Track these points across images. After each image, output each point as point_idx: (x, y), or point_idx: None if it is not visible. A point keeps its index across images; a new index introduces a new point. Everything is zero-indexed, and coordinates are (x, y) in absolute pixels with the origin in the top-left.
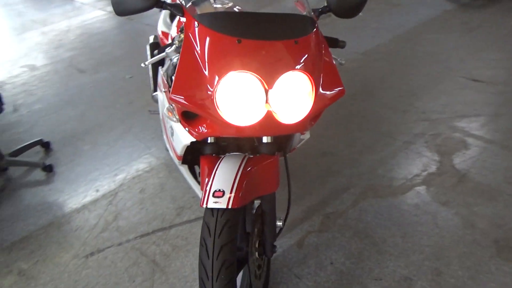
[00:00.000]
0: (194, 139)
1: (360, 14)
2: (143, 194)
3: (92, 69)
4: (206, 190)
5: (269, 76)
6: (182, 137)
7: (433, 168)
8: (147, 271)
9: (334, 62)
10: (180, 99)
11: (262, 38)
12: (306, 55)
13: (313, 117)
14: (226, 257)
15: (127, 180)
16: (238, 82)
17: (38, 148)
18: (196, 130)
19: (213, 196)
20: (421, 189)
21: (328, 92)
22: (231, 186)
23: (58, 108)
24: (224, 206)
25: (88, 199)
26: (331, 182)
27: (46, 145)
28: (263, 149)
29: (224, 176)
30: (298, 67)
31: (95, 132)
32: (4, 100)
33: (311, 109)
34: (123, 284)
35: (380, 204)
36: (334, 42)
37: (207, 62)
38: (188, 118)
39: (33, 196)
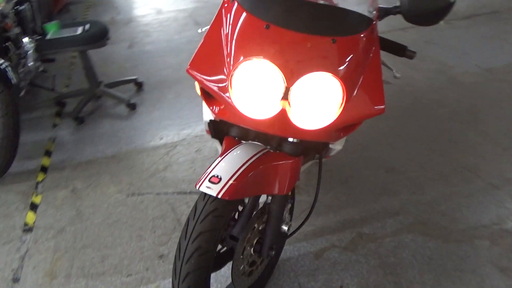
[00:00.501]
0: (213, 117)
1: (441, 23)
2: (197, 154)
3: (207, 23)
4: (206, 172)
5: (291, 72)
6: (204, 113)
7: (509, 225)
8: (169, 227)
9: (381, 73)
10: (196, 74)
11: (294, 28)
12: (344, 58)
13: (342, 128)
14: (202, 244)
15: (190, 136)
16: (256, 71)
17: (131, 86)
18: (211, 108)
19: (209, 180)
20: (483, 244)
21: (362, 106)
22: (230, 175)
23: (163, 53)
24: (214, 194)
25: (151, 144)
26: (382, 201)
27: (139, 85)
28: (285, 148)
29: (228, 163)
30: (328, 69)
31: (183, 84)
32: (124, 36)
33: (336, 119)
34: (145, 231)
35: (425, 243)
36: (400, 50)
37: (229, 43)
38: (208, 94)
39: (110, 127)
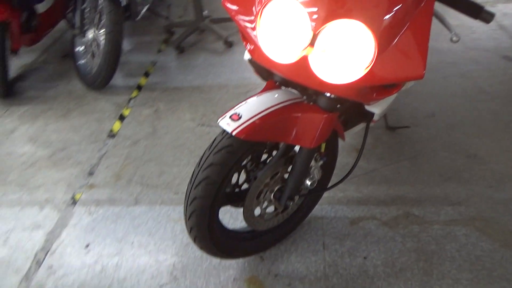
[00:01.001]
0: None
1: None
2: None
3: None
4: (231, 108)
5: (319, 17)
6: (245, 52)
7: None
8: None
9: (429, 32)
10: (230, 8)
11: None
12: (381, 7)
13: (376, 89)
14: (210, 174)
15: None
16: (284, 11)
17: (234, 24)
18: (246, 45)
19: (230, 117)
20: None
21: (397, 66)
22: (251, 116)
23: None
24: (229, 131)
25: (234, 82)
26: (448, 187)
27: None
28: (319, 101)
29: (254, 104)
30: (359, 18)
31: None
32: None
33: (364, 76)
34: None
35: (478, 242)
36: (474, 10)
37: None
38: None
39: (204, 60)
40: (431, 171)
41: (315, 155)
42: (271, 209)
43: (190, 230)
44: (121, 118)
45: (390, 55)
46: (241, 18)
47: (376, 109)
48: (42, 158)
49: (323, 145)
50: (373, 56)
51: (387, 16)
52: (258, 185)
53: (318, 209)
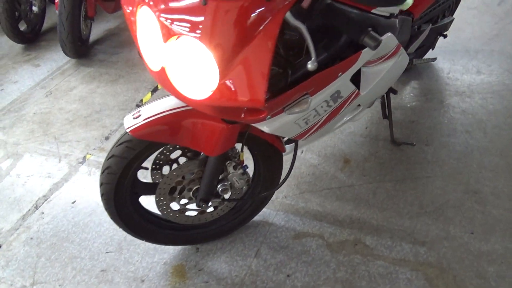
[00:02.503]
0: None
1: None
2: None
3: None
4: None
5: (169, 29)
6: None
7: None
8: None
9: (269, 58)
10: (125, 8)
11: None
12: (218, 26)
13: (242, 109)
14: (111, 164)
15: None
16: (147, 19)
17: None
18: None
19: (132, 114)
20: None
21: (241, 90)
22: (148, 116)
23: None
24: (125, 127)
25: None
26: (421, 222)
27: None
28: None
29: (157, 105)
30: (203, 37)
31: None
32: None
33: (212, 96)
34: None
35: None
36: (356, 31)
37: None
38: None
39: None
40: (413, 200)
41: (230, 163)
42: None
43: (106, 211)
44: (154, 90)
45: (233, 78)
46: (128, 16)
47: (263, 127)
48: (80, 117)
49: (242, 154)
50: (215, 77)
51: (224, 36)
52: (167, 182)
53: (272, 214)
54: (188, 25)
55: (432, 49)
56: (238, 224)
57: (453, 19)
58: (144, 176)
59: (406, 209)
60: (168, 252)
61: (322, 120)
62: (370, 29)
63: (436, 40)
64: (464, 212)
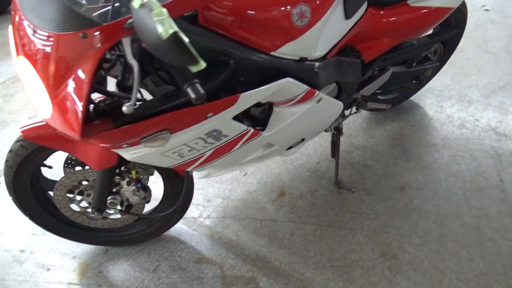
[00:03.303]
0: None
1: None
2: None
3: None
4: None
5: (17, 45)
6: None
7: None
8: None
9: (84, 94)
10: None
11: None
12: (44, 52)
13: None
14: (8, 158)
15: None
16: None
17: None
18: None
19: (31, 115)
20: None
21: (63, 121)
22: (41, 120)
23: None
24: (19, 126)
25: None
26: (326, 274)
27: None
28: None
29: None
30: (29, 55)
31: None
32: None
33: (49, 119)
34: None
35: None
36: (183, 79)
37: None
38: None
39: None
40: (326, 250)
41: (123, 178)
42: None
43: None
44: None
45: (59, 106)
46: None
47: (124, 154)
48: None
49: (134, 172)
50: (48, 102)
51: (56, 67)
52: (63, 184)
53: (188, 232)
54: (28, 47)
55: (411, 94)
56: (147, 236)
57: (436, 65)
58: None
59: (315, 258)
60: (82, 247)
61: (208, 155)
62: (197, 80)
63: (416, 84)
64: (371, 276)
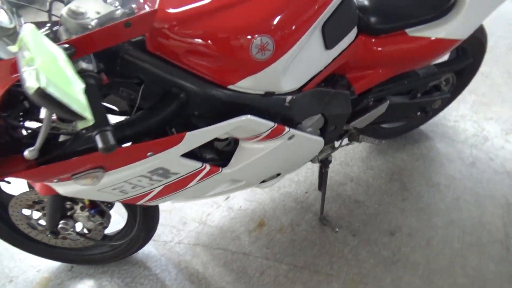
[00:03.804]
0: None
1: None
2: None
3: None
4: None
5: None
6: None
7: None
8: None
9: None
10: None
11: None
12: None
13: None
14: None
15: None
16: None
17: None
18: None
19: None
20: None
21: None
22: None
23: None
24: None
25: None
26: None
27: None
28: None
29: None
30: None
31: None
32: None
33: None
34: None
35: None
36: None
37: None
38: None
39: None
40: None
41: (76, 203)
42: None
43: None
44: None
45: None
46: None
47: (57, 189)
48: None
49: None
50: None
51: None
52: (18, 203)
53: (155, 257)
54: None
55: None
56: (111, 258)
57: (447, 96)
58: None
59: None
60: (48, 261)
61: (158, 192)
62: (109, 127)
63: (421, 116)
64: None
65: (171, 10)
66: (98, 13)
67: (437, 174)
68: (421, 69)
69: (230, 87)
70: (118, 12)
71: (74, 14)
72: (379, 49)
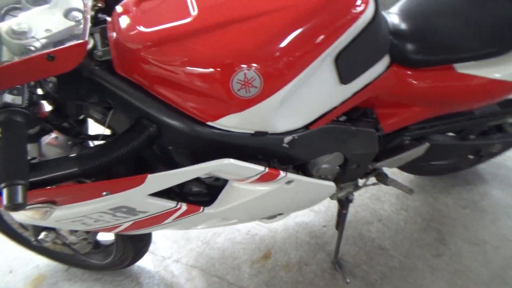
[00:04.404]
0: None
1: None
2: None
3: None
4: None
5: None
6: None
7: None
8: None
9: None
10: None
11: None
12: None
13: None
14: None
15: None
16: None
17: None
18: None
19: None
20: None
21: None
22: None
23: None
24: None
25: None
26: None
27: None
28: None
29: None
30: None
31: None
32: None
33: None
34: None
35: None
36: None
37: None
38: None
39: None
40: None
41: None
42: None
43: None
44: None
45: None
46: None
47: (12, 215)
48: None
49: None
50: None
51: None
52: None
53: (150, 273)
54: None
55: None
56: (103, 267)
57: (510, 141)
58: None
59: None
60: (44, 260)
61: (128, 226)
62: (21, 181)
63: (470, 160)
64: None
65: (142, 29)
66: (48, 30)
67: (486, 230)
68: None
69: (209, 123)
70: (79, 29)
71: (14, 34)
72: (418, 84)
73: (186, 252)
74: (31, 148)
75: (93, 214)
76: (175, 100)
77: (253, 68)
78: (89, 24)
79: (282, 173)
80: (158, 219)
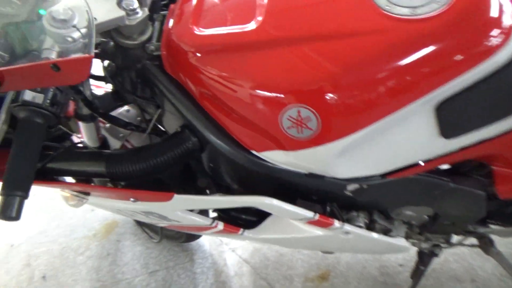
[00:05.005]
0: None
1: None
2: None
3: None
4: None
5: None
6: None
7: None
8: None
9: None
10: None
11: None
12: None
13: None
14: None
15: None
16: None
17: None
18: None
19: None
20: None
21: None
22: None
23: None
24: None
25: None
26: None
27: None
28: None
29: None
30: None
31: None
32: None
33: None
34: None
35: None
36: None
37: None
38: None
39: None
40: None
41: None
42: None
43: None
44: None
45: None
46: None
47: None
48: None
49: None
50: None
51: None
52: None
53: (204, 255)
54: None
55: None
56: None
57: None
58: None
59: None
60: (58, 242)
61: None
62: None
63: None
64: None
65: (196, 29)
66: (94, 19)
67: None
68: None
69: (254, 152)
70: (133, 18)
71: (53, 21)
72: None
73: (244, 245)
74: (86, 128)
75: (126, 211)
76: (219, 117)
77: (309, 106)
78: (94, 38)
79: (336, 224)
80: (195, 229)
